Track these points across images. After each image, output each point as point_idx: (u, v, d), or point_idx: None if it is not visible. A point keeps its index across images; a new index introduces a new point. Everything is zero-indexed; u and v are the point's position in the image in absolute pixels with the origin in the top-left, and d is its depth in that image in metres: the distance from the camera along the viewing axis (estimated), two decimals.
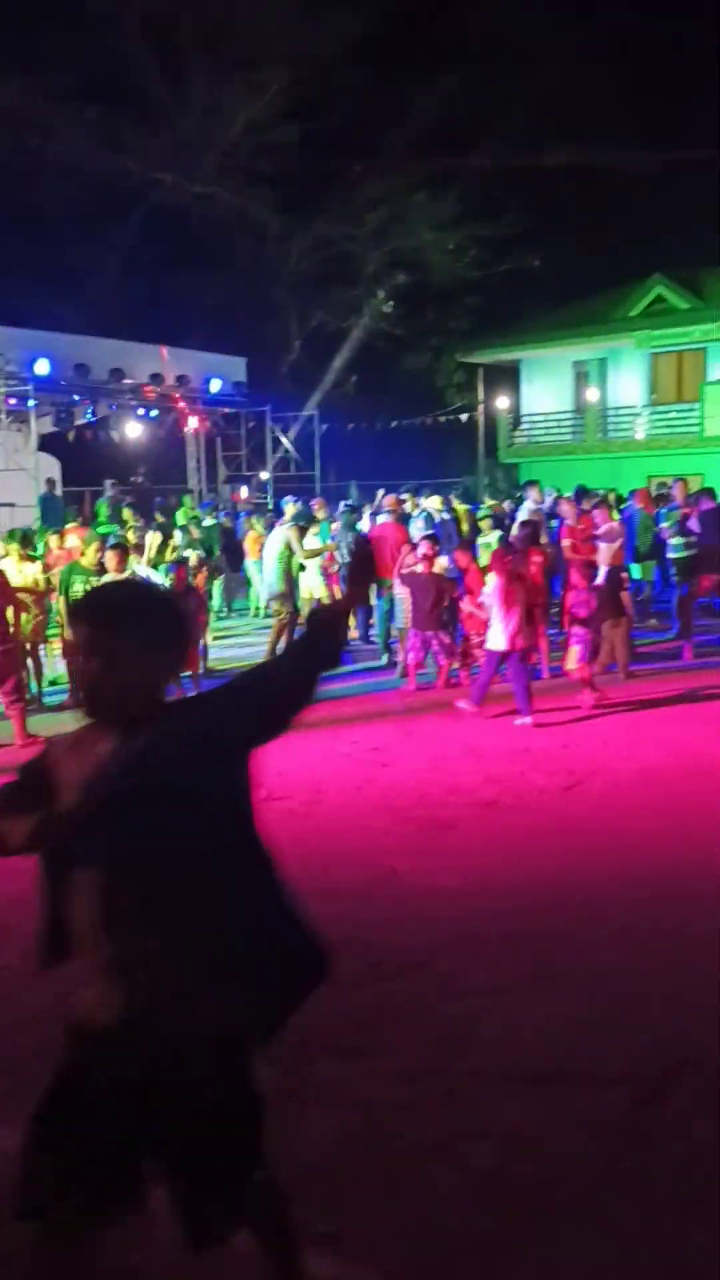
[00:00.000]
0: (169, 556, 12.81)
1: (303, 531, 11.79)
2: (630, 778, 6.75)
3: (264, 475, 24.48)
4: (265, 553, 12.38)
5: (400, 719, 8.67)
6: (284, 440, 25.21)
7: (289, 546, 11.63)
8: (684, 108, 34.21)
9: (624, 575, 9.85)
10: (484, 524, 12.12)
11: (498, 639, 8.37)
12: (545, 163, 29.27)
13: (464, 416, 32.31)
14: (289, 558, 11.62)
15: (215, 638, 13.41)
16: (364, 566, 2.48)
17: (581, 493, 15.06)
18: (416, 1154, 3.07)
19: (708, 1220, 2.77)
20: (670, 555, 12.03)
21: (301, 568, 11.86)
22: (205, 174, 29.94)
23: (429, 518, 13.05)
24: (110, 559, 9.22)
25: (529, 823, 5.95)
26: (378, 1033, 3.74)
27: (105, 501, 17.31)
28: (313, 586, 13.17)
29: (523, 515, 11.47)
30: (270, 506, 19.90)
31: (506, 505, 16.14)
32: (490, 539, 11.52)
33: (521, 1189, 2.91)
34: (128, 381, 19.46)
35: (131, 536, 13.12)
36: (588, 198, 32.68)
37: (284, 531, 11.84)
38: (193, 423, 22.21)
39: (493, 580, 8.59)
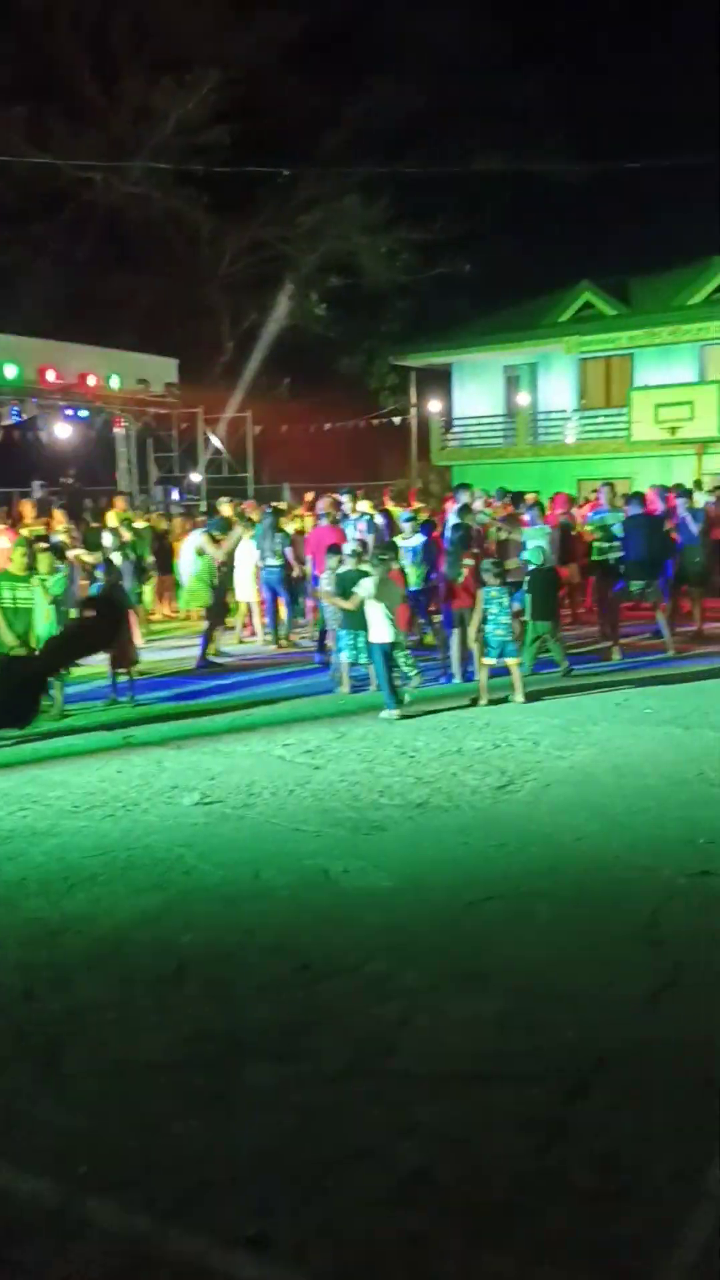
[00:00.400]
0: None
1: (213, 539, 11.82)
2: (561, 776, 6.84)
3: (195, 477, 24.33)
4: (181, 557, 12.44)
5: (333, 720, 8.68)
6: (215, 441, 25.07)
7: (201, 551, 11.75)
8: (613, 118, 34.78)
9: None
10: (408, 526, 12.20)
11: (379, 633, 8.75)
12: (476, 169, 29.54)
13: (397, 419, 32.46)
14: (205, 562, 11.74)
15: (147, 640, 13.30)
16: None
17: (502, 494, 15.23)
18: (344, 1156, 3.08)
19: (631, 1212, 2.82)
20: (592, 558, 12.25)
21: (217, 571, 11.92)
22: (136, 174, 29.67)
23: (370, 520, 13.09)
24: (42, 561, 9.14)
25: (460, 823, 6.00)
26: (307, 1036, 3.74)
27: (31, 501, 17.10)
28: (246, 590, 13.15)
29: (454, 519, 11.55)
30: (203, 508, 19.79)
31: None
32: (412, 541, 11.62)
33: (448, 1187, 2.93)
34: (57, 382, 19.19)
35: (67, 538, 13.00)
36: (518, 204, 33.06)
37: (197, 537, 11.97)
38: (123, 423, 21.99)
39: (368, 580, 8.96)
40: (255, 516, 13.91)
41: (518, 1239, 2.73)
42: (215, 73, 27.83)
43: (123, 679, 9.60)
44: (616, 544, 11.76)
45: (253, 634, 13.47)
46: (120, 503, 16.85)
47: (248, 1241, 2.76)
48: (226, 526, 12.41)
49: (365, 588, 8.94)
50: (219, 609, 11.96)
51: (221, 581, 11.91)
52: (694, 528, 12.35)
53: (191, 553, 12.03)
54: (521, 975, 4.13)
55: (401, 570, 10.44)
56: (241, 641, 13.37)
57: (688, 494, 13.60)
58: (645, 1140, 3.10)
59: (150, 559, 14.56)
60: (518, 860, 5.40)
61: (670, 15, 38.21)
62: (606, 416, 27.94)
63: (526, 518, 12.21)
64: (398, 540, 11.61)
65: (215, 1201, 2.92)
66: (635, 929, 4.51)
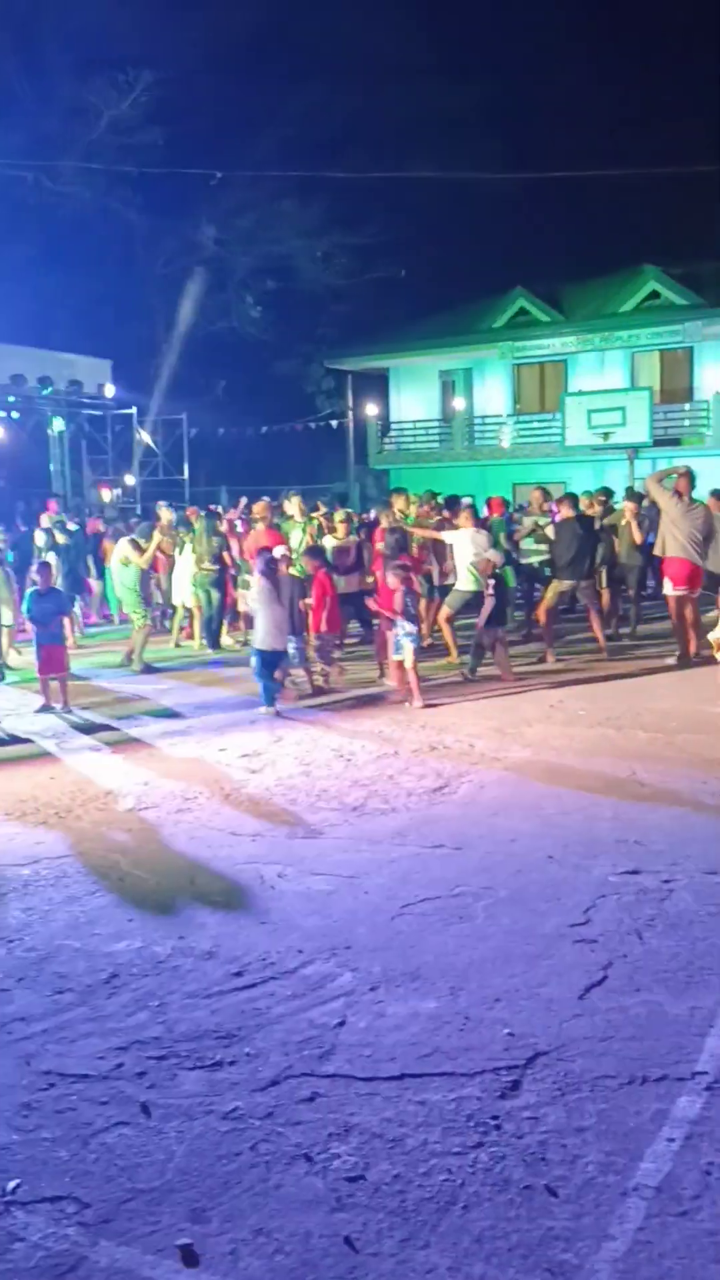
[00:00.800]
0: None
1: (136, 546, 11.77)
2: (496, 778, 6.90)
3: (130, 479, 24.11)
4: (111, 563, 12.35)
5: (269, 724, 8.66)
6: (147, 441, 24.86)
7: (127, 558, 11.70)
8: (545, 128, 35.24)
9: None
10: (340, 526, 12.22)
11: (262, 639, 8.93)
12: (411, 175, 29.75)
13: (334, 423, 32.52)
14: (134, 570, 11.71)
15: (80, 645, 13.15)
16: None
17: (430, 497, 15.30)
18: (278, 1160, 3.07)
19: (562, 1205, 2.85)
20: (522, 560, 12.39)
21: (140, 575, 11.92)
22: (68, 173, 29.34)
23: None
24: None
25: (397, 825, 6.02)
26: (241, 1041, 3.73)
27: None
28: (184, 594, 13.05)
29: (386, 522, 11.58)
30: (138, 511, 19.61)
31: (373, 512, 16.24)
32: (327, 542, 11.64)
33: (382, 1188, 2.94)
34: None
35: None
36: (453, 210, 33.36)
37: (124, 543, 11.91)
38: (57, 425, 21.72)
39: (256, 582, 9.12)
40: (198, 525, 13.78)
41: (450, 1236, 2.75)
42: (148, 73, 27.65)
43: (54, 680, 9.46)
44: (544, 547, 11.93)
45: (189, 637, 13.38)
46: (53, 505, 16.63)
47: (180, 1250, 2.74)
48: (149, 533, 12.36)
49: (250, 595, 9.05)
50: (146, 616, 11.93)
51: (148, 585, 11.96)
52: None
53: (118, 561, 11.93)
54: (457, 974, 4.16)
55: (300, 573, 10.48)
56: (179, 645, 13.27)
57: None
58: (576, 1134, 3.15)
59: (86, 562, 14.41)
60: (453, 861, 5.43)
61: (600, 26, 38.83)
62: (541, 421, 28.29)
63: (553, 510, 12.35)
64: (328, 542, 11.61)
65: (147, 1211, 2.89)
66: (568, 927, 4.56)
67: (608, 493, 15.44)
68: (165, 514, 13.97)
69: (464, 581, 10.88)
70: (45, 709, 9.37)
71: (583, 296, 28.79)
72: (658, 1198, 2.87)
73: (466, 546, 10.77)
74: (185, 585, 12.97)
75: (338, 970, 4.22)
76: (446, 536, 11.39)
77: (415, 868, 5.35)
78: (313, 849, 5.67)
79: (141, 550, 11.72)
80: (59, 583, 11.53)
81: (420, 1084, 3.43)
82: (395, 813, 6.26)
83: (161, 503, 15.21)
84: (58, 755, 7.91)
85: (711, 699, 9.11)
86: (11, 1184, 3.01)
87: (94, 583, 14.98)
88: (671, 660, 10.78)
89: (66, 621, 10.40)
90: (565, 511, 11.59)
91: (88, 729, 8.69)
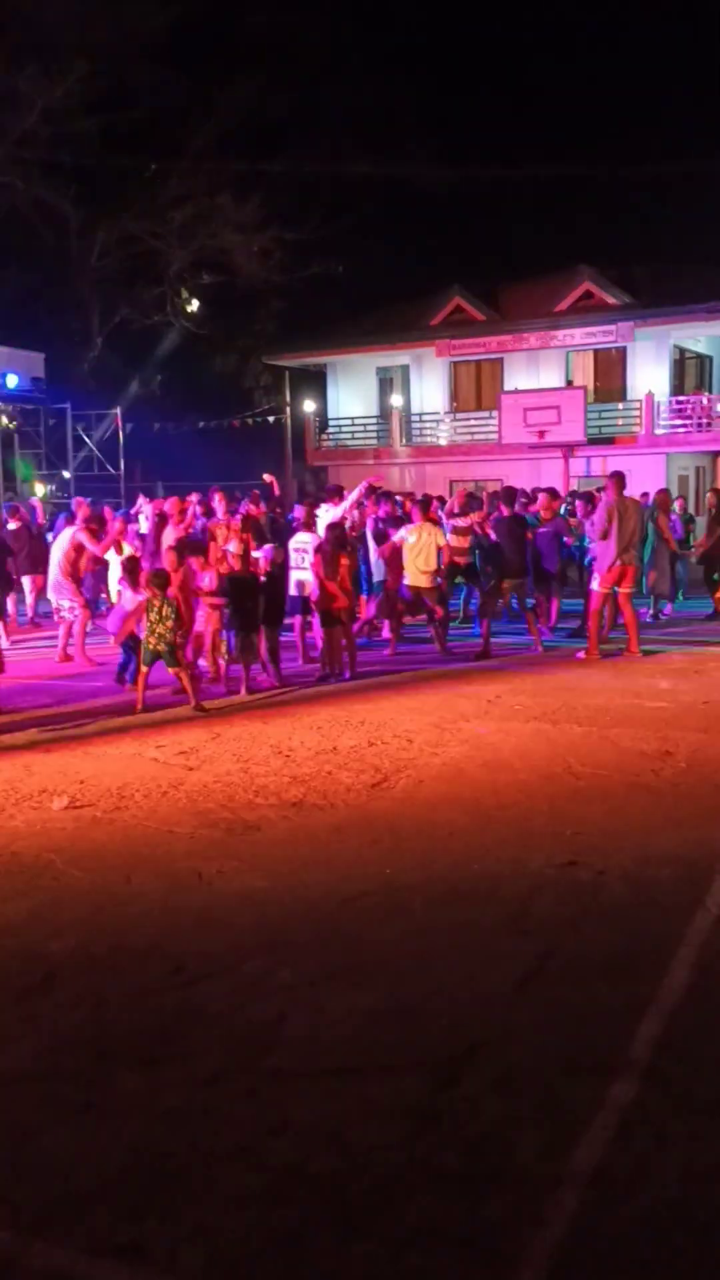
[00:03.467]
0: None
1: (93, 533, 11.67)
2: (433, 773, 6.94)
3: (65, 474, 23.78)
4: (51, 554, 12.16)
5: (207, 721, 8.61)
6: (85, 438, 24.55)
7: (77, 548, 11.53)
8: (484, 127, 35.49)
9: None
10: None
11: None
12: (348, 171, 29.75)
13: (272, 418, 32.41)
14: (78, 559, 11.56)
15: (14, 642, 12.95)
16: None
17: (371, 491, 15.33)
18: (216, 1157, 3.06)
19: (499, 1194, 2.88)
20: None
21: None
22: (0, 162, 28.79)
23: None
24: None
25: (335, 821, 6.03)
26: (179, 1039, 3.70)
27: None
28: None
29: (325, 518, 11.58)
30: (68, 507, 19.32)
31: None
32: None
33: (320, 1182, 2.95)
34: None
35: None
36: (391, 208, 33.46)
37: (72, 533, 11.75)
38: None
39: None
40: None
41: (388, 1227, 2.76)
42: (83, 63, 27.23)
43: None
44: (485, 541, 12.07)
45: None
46: None
47: (117, 1249, 2.72)
48: (103, 523, 12.24)
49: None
50: (84, 606, 11.81)
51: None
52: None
53: (64, 549, 11.76)
54: (396, 969, 4.18)
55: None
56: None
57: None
58: (513, 1124, 3.18)
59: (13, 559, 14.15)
60: (392, 856, 5.45)
61: (541, 27, 39.22)
62: (478, 419, 28.51)
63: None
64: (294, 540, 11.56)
65: (84, 1211, 2.86)
66: (505, 919, 4.61)
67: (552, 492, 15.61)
68: (83, 510, 13.81)
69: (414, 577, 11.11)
70: None
71: (519, 296, 29.09)
72: (593, 1185, 2.91)
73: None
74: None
75: (276, 966, 4.21)
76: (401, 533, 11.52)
77: (354, 863, 5.36)
78: (251, 846, 5.65)
79: (98, 538, 11.63)
80: None
81: (359, 1078, 3.44)
82: (334, 808, 6.26)
83: (80, 499, 14.97)
84: None
85: (643, 694, 9.27)
86: None
87: (34, 577, 14.65)
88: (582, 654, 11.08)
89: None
90: (505, 510, 11.73)
91: (21, 727, 8.55)
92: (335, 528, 10.82)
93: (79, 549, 11.69)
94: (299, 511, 12.23)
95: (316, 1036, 3.69)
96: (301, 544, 11.11)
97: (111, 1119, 3.26)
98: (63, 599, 11.90)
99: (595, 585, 11.18)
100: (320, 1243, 2.72)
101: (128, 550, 11.42)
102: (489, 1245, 2.71)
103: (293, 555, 11.02)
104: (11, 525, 14.60)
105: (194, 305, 32.86)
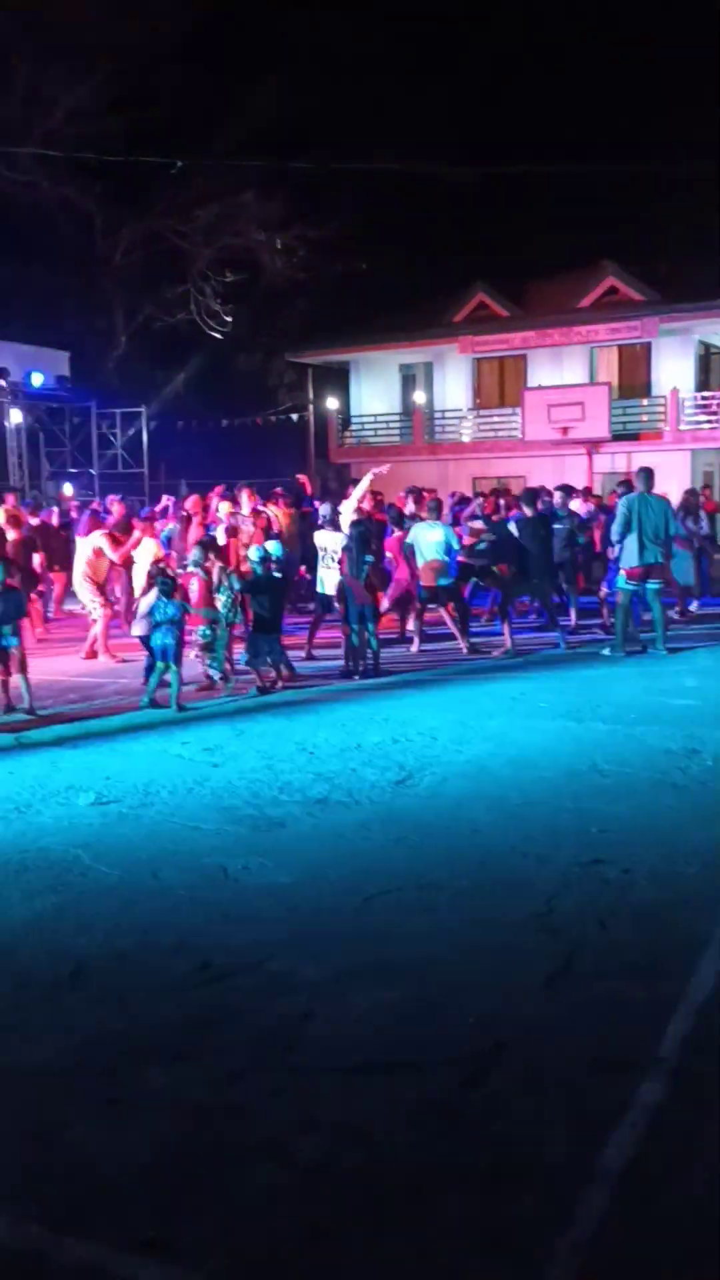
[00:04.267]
0: None
1: (114, 539, 11.72)
2: (458, 770, 6.93)
3: (90, 472, 23.89)
4: (77, 555, 12.22)
5: (231, 718, 8.62)
6: (110, 437, 24.65)
7: (97, 553, 11.67)
8: (507, 123, 35.35)
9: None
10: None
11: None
12: (372, 168, 29.69)
13: (295, 416, 32.42)
14: (96, 562, 11.69)
15: (39, 640, 13.01)
16: None
17: (411, 491, 15.31)
18: (244, 1153, 3.07)
19: (527, 1193, 2.87)
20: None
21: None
22: (25, 161, 28.94)
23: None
24: None
25: (360, 818, 6.03)
26: (206, 1035, 3.71)
27: None
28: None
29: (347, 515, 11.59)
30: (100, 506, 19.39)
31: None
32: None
33: (349, 1179, 2.94)
34: None
35: None
36: (415, 204, 33.38)
37: (96, 536, 11.81)
38: (14, 417, 21.45)
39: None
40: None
41: (417, 1225, 2.76)
42: (108, 62, 27.33)
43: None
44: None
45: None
46: (11, 499, 16.41)
47: (146, 1245, 2.73)
48: (128, 528, 12.27)
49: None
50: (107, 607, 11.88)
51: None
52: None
53: (87, 552, 11.84)
54: (421, 966, 4.17)
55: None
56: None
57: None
58: (540, 1123, 3.17)
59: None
60: (417, 853, 5.44)
61: (564, 23, 39.03)
62: (501, 416, 28.40)
63: None
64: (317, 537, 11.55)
65: (111, 1206, 2.87)
66: (531, 917, 4.59)
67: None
68: (115, 508, 13.87)
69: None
70: (9, 710, 8.92)
71: (543, 291, 28.96)
72: (621, 1184, 2.90)
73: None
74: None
75: (302, 963, 4.21)
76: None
77: (379, 860, 5.36)
78: (276, 842, 5.66)
79: (119, 544, 11.67)
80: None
81: (386, 1075, 3.43)
82: (358, 805, 6.26)
83: (113, 497, 15.05)
84: (16, 750, 7.83)
85: (669, 691, 9.21)
86: None
87: (57, 575, 14.73)
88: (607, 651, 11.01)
89: (25, 623, 10.16)
90: (528, 510, 11.69)
91: (48, 723, 8.60)
92: (359, 525, 10.81)
93: (99, 553, 11.76)
94: (321, 508, 12.25)
95: (343, 1033, 3.69)
96: (326, 542, 11.12)
97: (138, 1115, 3.27)
98: (83, 598, 12.01)
99: (621, 582, 11.12)
100: (348, 1240, 2.72)
101: (154, 550, 11.44)
102: (517, 1244, 2.70)
103: (319, 553, 11.07)
104: (32, 521, 14.67)
105: (218, 303, 32.91)
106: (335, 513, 11.82)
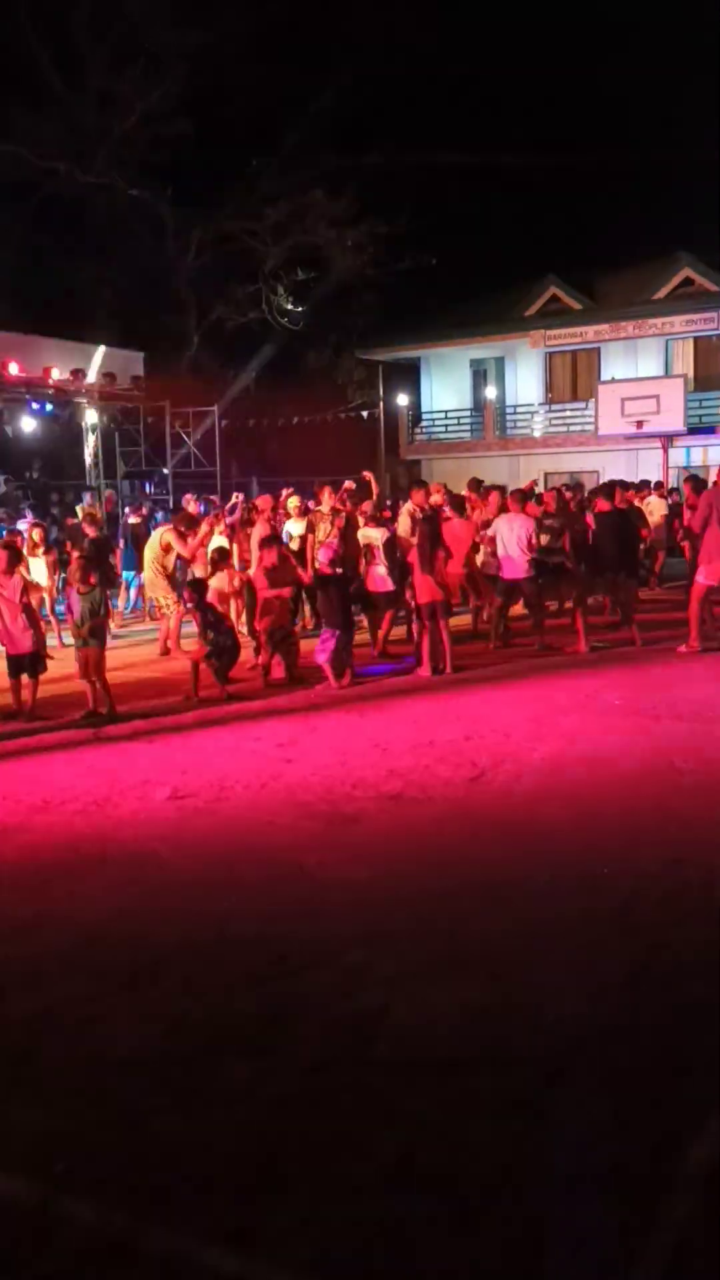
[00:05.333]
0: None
1: (180, 534, 11.85)
2: (532, 768, 6.87)
3: (163, 471, 24.17)
4: (145, 553, 12.38)
5: (304, 714, 8.67)
6: (183, 435, 24.90)
7: (165, 547, 11.82)
8: (579, 113, 34.92)
9: None
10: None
11: None
12: (441, 162, 29.57)
13: (365, 413, 32.43)
14: (165, 557, 11.84)
15: (113, 636, 13.20)
16: None
17: (477, 485, 15.21)
18: (325, 1146, 3.08)
19: (610, 1194, 2.84)
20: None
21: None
22: (100, 164, 29.42)
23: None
24: None
25: (434, 814, 6.01)
26: (285, 1028, 3.73)
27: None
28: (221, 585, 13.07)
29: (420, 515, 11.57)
30: (171, 504, 19.68)
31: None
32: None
33: (429, 1175, 2.94)
34: (21, 375, 18.99)
35: (36, 536, 12.97)
36: (486, 198, 33.15)
37: (162, 532, 11.96)
38: (90, 417, 21.80)
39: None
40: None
41: (499, 1224, 2.74)
42: (180, 63, 27.64)
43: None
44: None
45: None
46: (89, 498, 16.72)
47: (228, 1236, 2.75)
48: (193, 523, 12.40)
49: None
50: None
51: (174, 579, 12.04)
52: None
53: (155, 549, 11.99)
54: (498, 963, 4.15)
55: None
56: None
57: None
58: (622, 1123, 3.13)
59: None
60: (492, 850, 5.41)
61: (635, 12, 38.41)
62: (573, 410, 28.09)
63: None
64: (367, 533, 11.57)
65: (196, 1195, 2.91)
66: (610, 916, 4.54)
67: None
68: (192, 506, 14.05)
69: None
70: (90, 714, 8.84)
71: (616, 284, 28.55)
72: (708, 1188, 2.85)
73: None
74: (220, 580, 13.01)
75: (379, 958, 4.21)
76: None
77: (454, 857, 5.34)
78: (350, 837, 5.67)
79: (186, 539, 11.81)
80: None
81: (465, 1071, 3.42)
82: (432, 802, 6.24)
83: (189, 495, 15.25)
84: (94, 744, 7.96)
85: None
86: (59, 1167, 3.03)
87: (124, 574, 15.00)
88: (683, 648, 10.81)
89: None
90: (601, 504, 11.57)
91: (124, 719, 8.72)
92: (429, 520, 10.77)
93: (167, 548, 11.90)
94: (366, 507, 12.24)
95: (420, 1028, 3.69)
96: (369, 538, 11.14)
97: (220, 1106, 3.30)
98: (156, 595, 12.18)
99: (700, 577, 10.91)
100: (430, 1237, 2.71)
101: (219, 542, 11.56)
102: (602, 1246, 2.67)
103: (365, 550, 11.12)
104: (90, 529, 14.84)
105: (288, 301, 33.07)
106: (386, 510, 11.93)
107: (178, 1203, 2.88)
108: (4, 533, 13.34)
